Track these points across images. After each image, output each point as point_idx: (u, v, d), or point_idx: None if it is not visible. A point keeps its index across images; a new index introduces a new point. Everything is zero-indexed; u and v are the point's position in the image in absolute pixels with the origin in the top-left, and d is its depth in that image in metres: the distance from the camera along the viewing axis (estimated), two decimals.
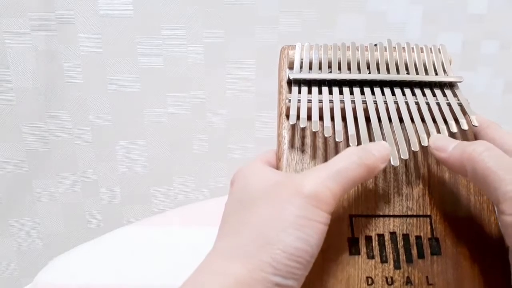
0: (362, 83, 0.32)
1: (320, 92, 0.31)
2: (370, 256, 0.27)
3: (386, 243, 0.27)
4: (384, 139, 0.29)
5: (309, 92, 0.31)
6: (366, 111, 0.30)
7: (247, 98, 0.77)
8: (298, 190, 0.24)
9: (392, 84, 0.32)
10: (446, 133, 0.29)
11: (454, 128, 0.29)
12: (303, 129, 0.30)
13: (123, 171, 0.77)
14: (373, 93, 0.31)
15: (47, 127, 0.73)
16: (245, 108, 0.78)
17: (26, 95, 0.70)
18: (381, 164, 0.26)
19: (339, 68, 0.33)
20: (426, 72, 0.33)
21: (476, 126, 0.30)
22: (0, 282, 0.79)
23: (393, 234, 0.27)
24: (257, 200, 0.25)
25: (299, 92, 0.31)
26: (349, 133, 0.28)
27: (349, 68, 0.33)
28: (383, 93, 0.31)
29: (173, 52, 0.73)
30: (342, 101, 0.31)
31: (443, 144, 0.27)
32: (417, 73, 0.33)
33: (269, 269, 0.22)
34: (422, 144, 0.29)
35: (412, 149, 0.28)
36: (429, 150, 0.28)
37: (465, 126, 0.30)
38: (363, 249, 0.27)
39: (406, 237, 0.27)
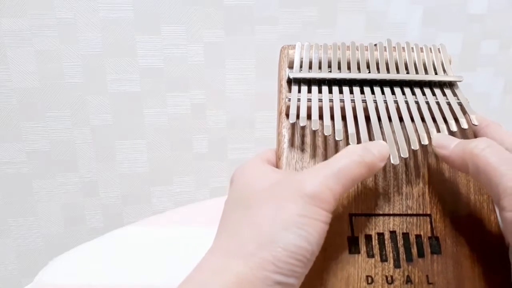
0: (362, 83, 0.32)
1: (320, 91, 0.31)
2: (370, 255, 0.27)
3: (386, 242, 0.27)
4: (384, 138, 0.29)
5: (309, 91, 0.31)
6: (366, 110, 0.30)
7: (247, 98, 0.77)
8: (299, 189, 0.24)
9: (392, 84, 0.32)
10: (446, 132, 0.29)
11: (454, 127, 0.29)
12: (303, 128, 0.30)
13: (123, 171, 0.77)
14: (373, 92, 0.31)
15: (47, 127, 0.73)
16: (245, 108, 0.78)
17: (26, 95, 0.71)
18: (381, 163, 0.26)
19: (339, 68, 0.33)
20: (426, 72, 0.33)
21: (476, 125, 0.30)
22: (0, 282, 0.79)
23: (393, 233, 0.27)
24: (258, 199, 0.25)
25: (299, 91, 0.31)
26: (349, 132, 0.29)
27: (349, 68, 0.33)
28: (383, 93, 0.31)
29: (173, 52, 0.73)
30: (342, 100, 0.31)
31: (445, 142, 0.27)
32: (416, 72, 0.33)
33: (271, 267, 0.22)
34: (422, 143, 0.29)
35: (412, 148, 0.28)
36: (432, 148, 0.28)
37: (465, 125, 0.30)
38: (363, 248, 0.27)
39: (406, 236, 0.27)
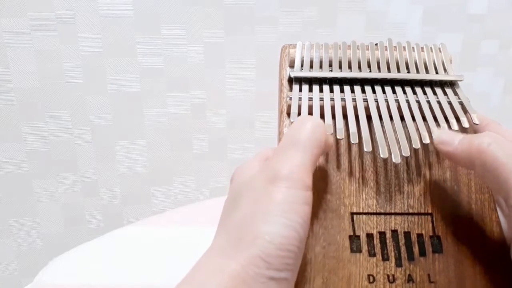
0: (363, 82, 0.32)
1: (321, 90, 0.31)
2: (372, 254, 0.26)
3: (388, 241, 0.27)
4: (385, 136, 0.29)
5: (310, 90, 0.31)
6: (367, 109, 0.30)
7: (247, 98, 0.77)
8: (273, 177, 0.24)
9: (393, 83, 0.32)
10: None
11: (455, 126, 0.29)
12: None
13: (123, 171, 0.77)
14: (374, 91, 0.31)
15: (47, 127, 0.73)
16: (245, 108, 0.78)
17: (26, 95, 0.70)
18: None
19: (340, 67, 0.33)
20: (427, 71, 0.33)
21: (477, 124, 0.30)
22: (0, 282, 0.79)
23: (394, 232, 0.27)
24: (242, 195, 0.25)
25: (300, 90, 0.31)
26: (350, 131, 0.28)
27: (349, 67, 0.33)
28: (384, 92, 0.31)
29: (173, 52, 0.73)
30: (343, 99, 0.31)
31: (449, 138, 0.27)
32: (417, 71, 0.33)
33: (261, 263, 0.22)
34: (423, 142, 0.29)
35: (413, 146, 0.28)
36: (434, 145, 0.28)
37: (466, 124, 0.30)
38: (365, 247, 0.27)
39: (407, 235, 0.27)
